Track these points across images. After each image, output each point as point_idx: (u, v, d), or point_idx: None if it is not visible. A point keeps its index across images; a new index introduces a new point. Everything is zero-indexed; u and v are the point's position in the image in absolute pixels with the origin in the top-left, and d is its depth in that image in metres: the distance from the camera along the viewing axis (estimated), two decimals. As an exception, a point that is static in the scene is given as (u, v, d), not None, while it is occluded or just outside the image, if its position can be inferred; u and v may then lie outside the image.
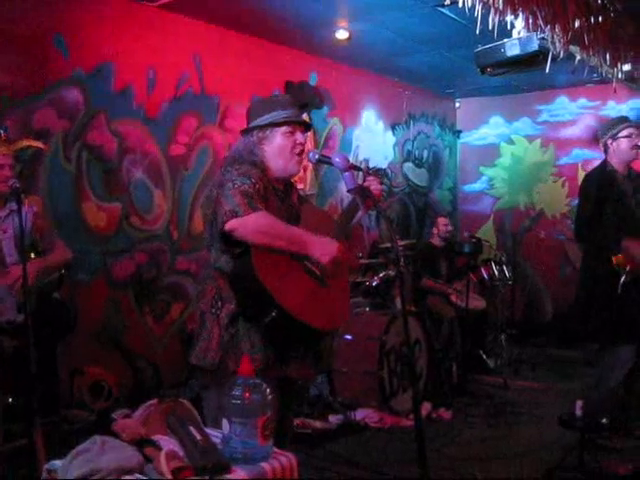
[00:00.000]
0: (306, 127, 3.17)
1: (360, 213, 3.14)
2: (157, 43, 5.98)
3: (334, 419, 5.48)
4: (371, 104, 8.58)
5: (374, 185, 3.11)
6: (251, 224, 2.81)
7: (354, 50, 7.30)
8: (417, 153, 9.50)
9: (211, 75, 6.45)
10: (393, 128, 9.00)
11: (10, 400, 3.95)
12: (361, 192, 3.02)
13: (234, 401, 2.10)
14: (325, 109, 7.80)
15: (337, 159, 3.04)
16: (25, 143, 4.07)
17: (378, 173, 3.24)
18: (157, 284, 6.04)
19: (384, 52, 7.41)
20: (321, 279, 2.95)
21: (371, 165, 3.34)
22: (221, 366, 2.91)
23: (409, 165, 9.34)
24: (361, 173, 3.13)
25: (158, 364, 6.00)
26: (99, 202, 5.57)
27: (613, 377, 4.82)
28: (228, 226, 2.83)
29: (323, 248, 2.90)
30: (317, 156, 3.14)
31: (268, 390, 2.14)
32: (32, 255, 3.92)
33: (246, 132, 3.13)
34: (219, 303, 2.95)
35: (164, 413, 2.35)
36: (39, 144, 4.30)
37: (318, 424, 5.34)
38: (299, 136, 3.06)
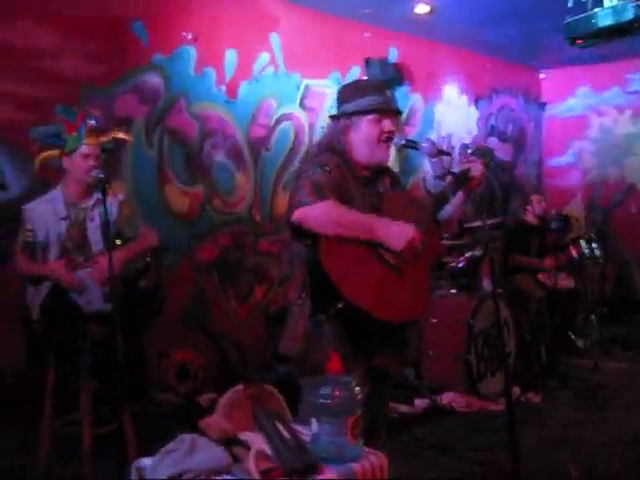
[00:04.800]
0: (395, 113, 3.05)
1: (456, 199, 3.00)
2: (236, 24, 5.97)
3: (420, 403, 5.40)
4: (453, 78, 8.39)
5: (475, 167, 2.97)
6: (318, 214, 2.73)
7: (435, 24, 7.14)
8: (501, 127, 9.27)
9: (290, 54, 6.41)
10: (476, 102, 8.79)
11: (99, 385, 3.99)
12: (458, 176, 2.90)
13: (323, 400, 2.04)
14: (406, 85, 7.64)
15: (424, 144, 2.92)
16: (112, 135, 4.06)
17: (483, 154, 3.06)
18: (240, 267, 6.06)
19: (466, 24, 7.22)
20: (396, 268, 2.82)
21: (454, 141, 3.19)
22: (306, 356, 2.87)
23: (493, 140, 9.12)
24: (456, 157, 3.00)
25: (243, 346, 6.03)
26: (182, 186, 5.62)
27: None
28: (295, 217, 2.77)
29: (395, 234, 2.78)
30: (403, 141, 3.02)
31: (357, 388, 2.08)
32: (118, 242, 3.93)
33: (333, 118, 3.04)
34: (303, 294, 2.90)
35: (250, 400, 2.32)
36: (126, 136, 4.29)
37: (404, 408, 5.28)
38: (386, 123, 2.93)
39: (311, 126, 6.54)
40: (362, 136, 2.93)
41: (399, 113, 3.10)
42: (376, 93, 2.97)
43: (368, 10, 6.58)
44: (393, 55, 7.46)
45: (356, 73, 6.97)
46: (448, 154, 2.98)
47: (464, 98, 8.59)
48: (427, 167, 7.82)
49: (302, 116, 6.55)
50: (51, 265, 3.74)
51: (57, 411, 3.99)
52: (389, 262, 2.79)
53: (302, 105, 6.56)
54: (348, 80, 6.63)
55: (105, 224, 3.44)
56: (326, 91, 6.63)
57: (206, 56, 5.75)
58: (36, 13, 4.82)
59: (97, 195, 3.83)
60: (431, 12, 6.76)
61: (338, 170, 2.84)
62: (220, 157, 5.87)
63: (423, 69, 7.85)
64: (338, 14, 6.71)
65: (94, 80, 5.04)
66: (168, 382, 5.35)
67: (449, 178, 2.91)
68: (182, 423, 4.83)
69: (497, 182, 9.04)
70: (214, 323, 5.86)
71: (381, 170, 3.10)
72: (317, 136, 6.46)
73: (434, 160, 2.90)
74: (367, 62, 7.09)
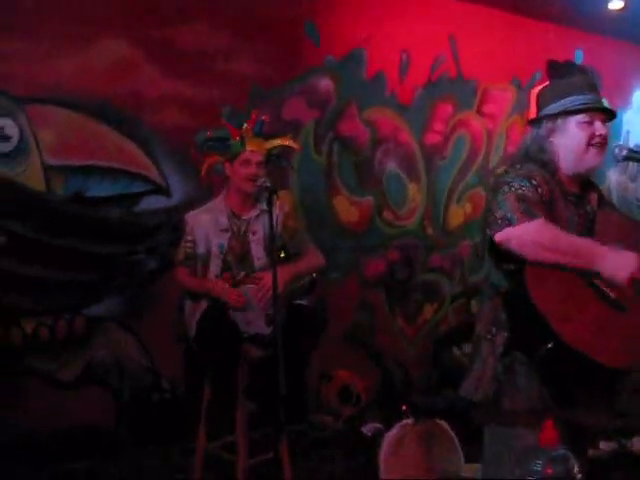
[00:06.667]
0: (608, 115, 2.57)
1: None
2: (410, 25, 5.70)
3: (605, 446, 4.83)
4: (645, 83, 7.71)
5: None
6: (528, 235, 2.33)
7: (628, 21, 6.55)
8: (698, 138, 8.46)
9: (467, 57, 6.07)
10: (670, 110, 8.05)
11: (256, 409, 3.74)
12: None
13: (533, 477, 1.63)
14: (593, 90, 7.05)
15: (657, 155, 2.43)
16: (278, 142, 3.82)
17: None
18: (409, 283, 5.77)
19: (663, 22, 6.56)
20: (617, 304, 2.36)
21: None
22: (495, 401, 2.45)
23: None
24: None
25: (408, 368, 5.73)
26: (351, 196, 5.43)
27: None
28: (499, 236, 2.38)
29: (617, 262, 2.32)
30: (625, 152, 2.52)
31: (576, 465, 1.65)
32: (282, 255, 3.66)
33: (534, 123, 2.60)
34: (494, 328, 2.49)
35: (420, 439, 1.99)
36: (293, 144, 4.04)
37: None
38: (598, 126, 2.48)
39: (489, 134, 6.17)
40: (569, 141, 2.49)
41: (613, 115, 2.61)
42: (586, 91, 2.53)
43: (554, 8, 6.09)
44: (579, 57, 6.94)
45: (538, 77, 6.48)
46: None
47: (656, 104, 7.87)
48: (612, 176, 7.22)
49: (479, 123, 6.18)
50: (213, 282, 3.52)
51: (212, 433, 3.78)
52: (608, 296, 2.33)
53: (479, 111, 6.19)
54: (529, 85, 6.35)
55: (270, 238, 3.18)
56: (506, 96, 6.22)
57: (379, 59, 5.54)
58: (207, 15, 4.76)
59: (261, 206, 3.59)
60: (625, 8, 6.22)
61: (545, 185, 2.41)
62: (392, 166, 5.61)
63: (611, 72, 7.24)
64: (520, 13, 6.29)
65: (263, 82, 4.93)
66: (329, 405, 5.10)
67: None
68: (343, 452, 4.57)
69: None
70: (379, 342, 5.58)
71: (588, 185, 2.63)
72: (496, 145, 6.08)
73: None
74: (550, 65, 6.58)
